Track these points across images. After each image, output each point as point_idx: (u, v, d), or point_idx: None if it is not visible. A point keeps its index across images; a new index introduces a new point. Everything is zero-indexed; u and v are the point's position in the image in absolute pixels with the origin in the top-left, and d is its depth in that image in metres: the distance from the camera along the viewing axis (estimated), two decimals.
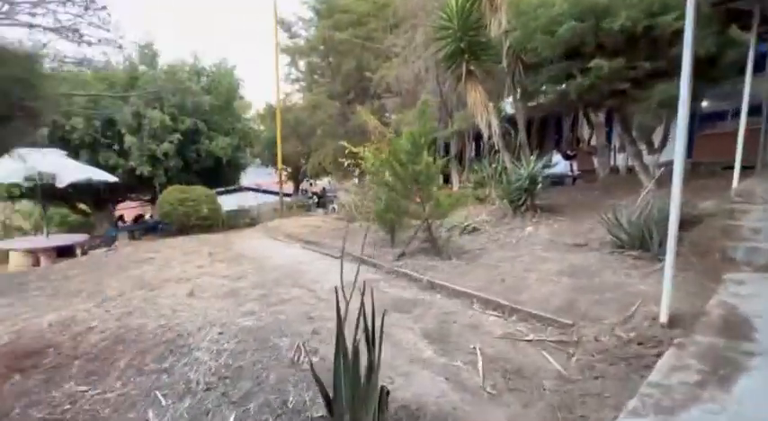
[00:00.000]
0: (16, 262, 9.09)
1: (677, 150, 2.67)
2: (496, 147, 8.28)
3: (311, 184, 23.32)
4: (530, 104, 9.36)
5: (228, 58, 16.52)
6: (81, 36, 6.44)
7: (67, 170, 9.78)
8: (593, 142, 10.60)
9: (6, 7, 5.27)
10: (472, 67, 7.81)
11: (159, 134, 13.06)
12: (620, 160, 10.55)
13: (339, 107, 16.37)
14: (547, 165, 7.24)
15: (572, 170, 11.37)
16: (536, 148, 8.39)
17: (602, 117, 9.61)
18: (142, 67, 14.28)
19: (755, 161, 5.81)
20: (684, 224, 3.63)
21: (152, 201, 14.99)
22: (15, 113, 2.48)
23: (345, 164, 8.55)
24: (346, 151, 8.05)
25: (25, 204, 14.64)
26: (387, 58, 13.11)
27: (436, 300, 4.07)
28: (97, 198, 14.08)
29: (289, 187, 21.89)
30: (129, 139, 12.79)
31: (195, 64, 15.64)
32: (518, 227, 6.28)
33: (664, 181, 4.93)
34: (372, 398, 1.67)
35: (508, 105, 9.61)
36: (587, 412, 2.14)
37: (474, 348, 2.90)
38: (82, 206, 15.28)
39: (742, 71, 5.02)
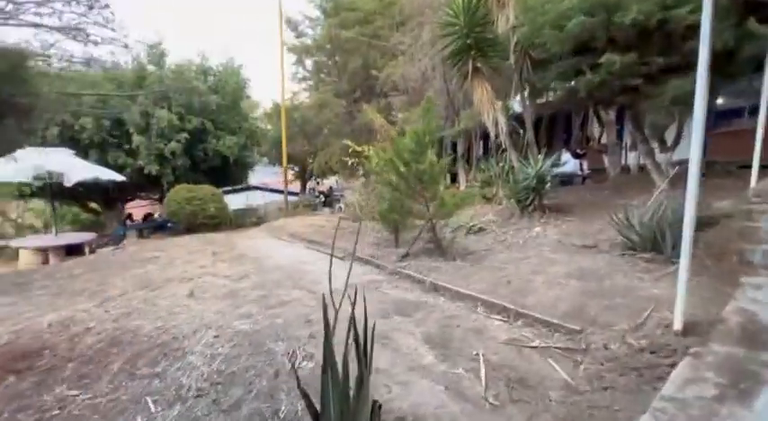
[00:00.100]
0: (26, 260, 9.21)
1: (693, 148, 2.51)
2: (504, 146, 8.13)
3: (318, 183, 23.30)
4: (538, 102, 9.19)
5: (235, 58, 16.57)
6: (87, 35, 6.45)
7: (75, 169, 9.87)
8: (603, 140, 10.36)
9: (11, 7, 5.28)
10: (479, 64, 7.66)
11: (167, 133, 13.15)
12: (632, 159, 10.28)
13: (345, 106, 16.34)
14: (555, 164, 7.05)
15: (581, 169, 11.11)
16: (544, 147, 8.19)
17: (612, 114, 9.39)
18: (150, 67, 14.38)
19: None
20: (699, 225, 3.47)
21: (160, 200, 15.11)
22: (4, 110, 2.43)
23: (350, 163, 8.47)
24: (350, 150, 7.96)
25: (37, 203, 14.83)
26: (393, 56, 13.02)
27: (439, 303, 3.95)
28: (107, 197, 14.24)
29: (296, 186, 21.91)
30: (137, 139, 12.88)
31: (202, 64, 15.73)
32: (525, 227, 6.13)
33: (677, 180, 4.75)
34: (363, 413, 1.57)
35: (516, 103, 9.42)
36: None
37: (477, 354, 2.78)
38: (93, 205, 15.49)
39: (760, 66, 4.80)
